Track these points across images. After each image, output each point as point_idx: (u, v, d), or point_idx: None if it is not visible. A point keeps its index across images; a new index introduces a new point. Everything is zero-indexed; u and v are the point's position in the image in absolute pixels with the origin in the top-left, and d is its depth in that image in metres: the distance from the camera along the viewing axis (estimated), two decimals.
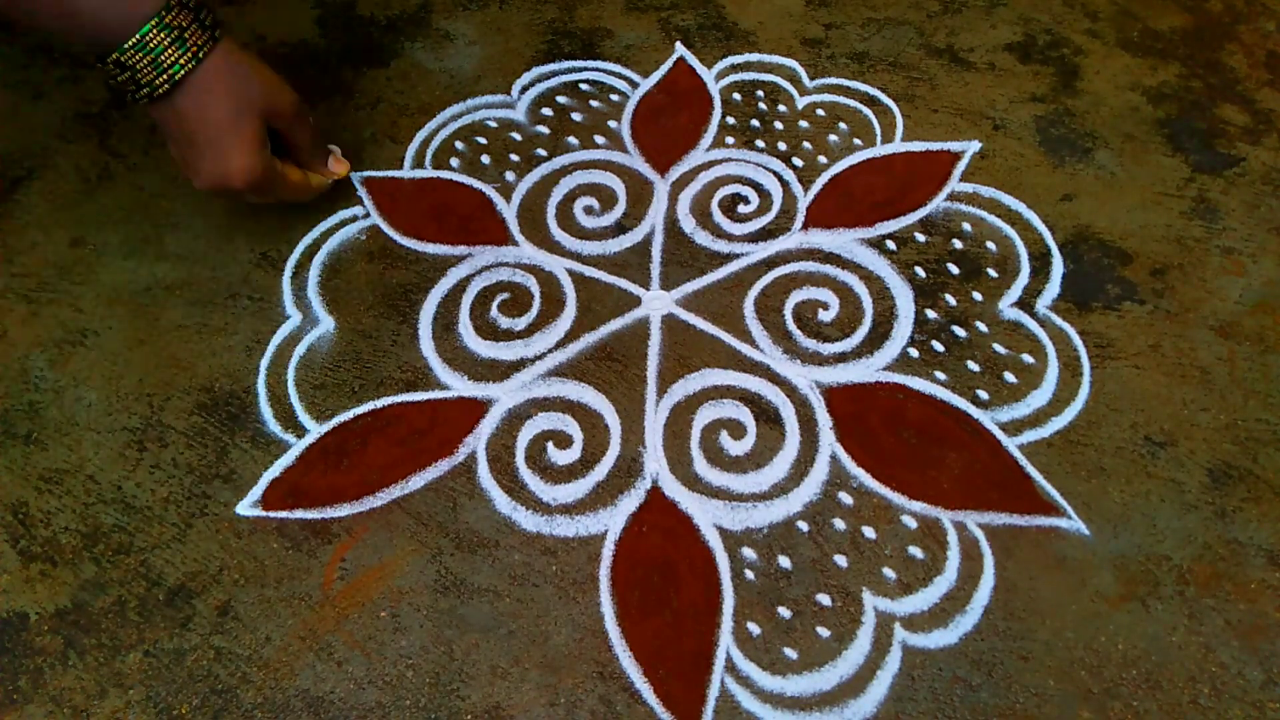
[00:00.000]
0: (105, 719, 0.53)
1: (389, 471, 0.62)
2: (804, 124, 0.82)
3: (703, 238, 0.75)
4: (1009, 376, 0.66)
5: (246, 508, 0.61)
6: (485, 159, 0.80)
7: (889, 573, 0.58)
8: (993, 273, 0.72)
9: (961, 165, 0.78)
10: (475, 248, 0.74)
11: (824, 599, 0.57)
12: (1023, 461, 0.62)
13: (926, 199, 0.76)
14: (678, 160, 0.79)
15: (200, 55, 0.60)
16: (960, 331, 0.68)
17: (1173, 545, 0.59)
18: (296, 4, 0.92)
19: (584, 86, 0.85)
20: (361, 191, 0.77)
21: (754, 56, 0.87)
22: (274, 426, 0.64)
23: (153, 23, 0.57)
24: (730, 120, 0.82)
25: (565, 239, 0.75)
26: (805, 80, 0.85)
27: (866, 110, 0.82)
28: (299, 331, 0.69)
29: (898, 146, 0.80)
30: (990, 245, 0.73)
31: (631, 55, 0.87)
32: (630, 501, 0.61)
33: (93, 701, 0.54)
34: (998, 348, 0.67)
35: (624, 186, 0.78)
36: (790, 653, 0.55)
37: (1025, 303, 0.70)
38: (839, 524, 0.60)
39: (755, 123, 0.82)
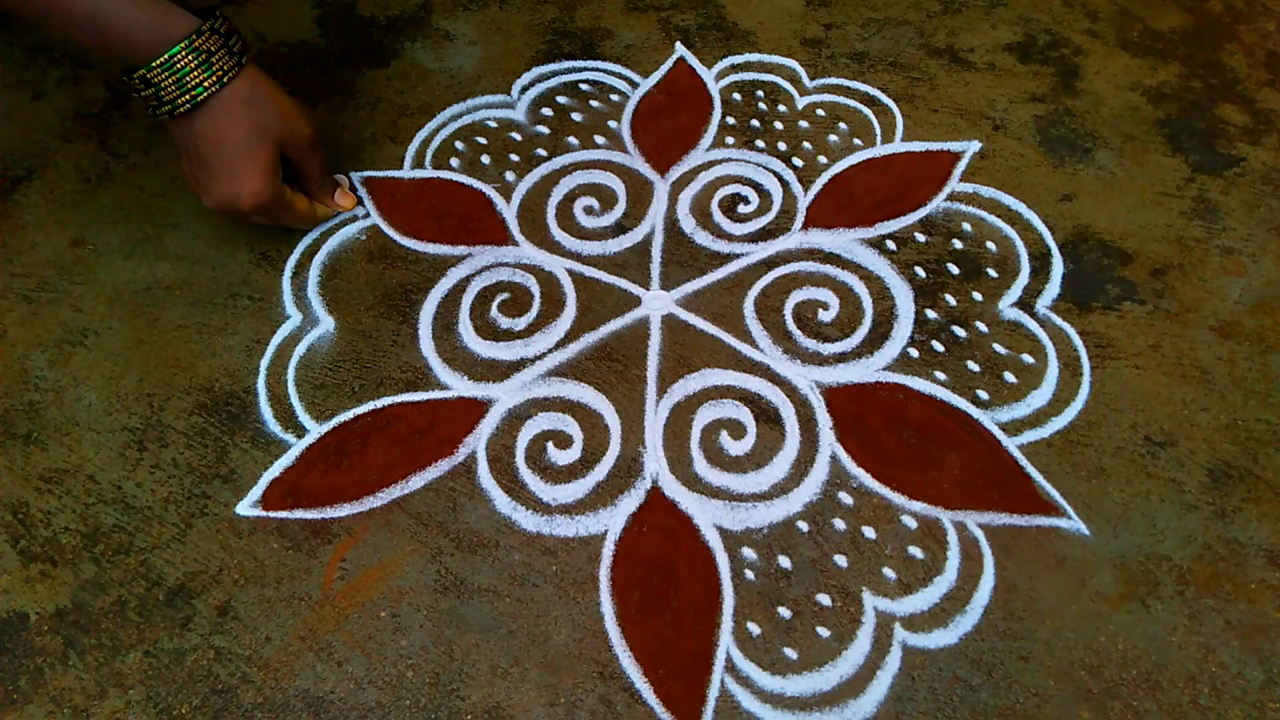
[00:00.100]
0: (105, 719, 0.53)
1: (389, 471, 0.62)
2: (804, 124, 0.82)
3: (703, 238, 0.75)
4: (1009, 376, 0.66)
5: (246, 508, 0.61)
6: (485, 159, 0.80)
7: (889, 573, 0.58)
8: (993, 273, 0.72)
9: (961, 165, 0.78)
10: (475, 248, 0.74)
11: (824, 599, 0.57)
12: (1023, 461, 0.62)
13: (926, 199, 0.76)
14: (678, 160, 0.79)
15: (225, 79, 0.61)
16: (960, 331, 0.68)
17: (1173, 545, 0.59)
18: (296, 4, 0.92)
19: (584, 86, 0.85)
20: (361, 191, 0.77)
21: (754, 56, 0.87)
22: (274, 426, 0.64)
23: (183, 45, 0.58)
24: (730, 120, 0.82)
25: (565, 239, 0.75)
26: (805, 80, 0.85)
27: (866, 110, 0.82)
28: (299, 331, 0.69)
29: (898, 146, 0.80)
30: (990, 245, 0.73)
31: (631, 55, 0.87)
32: (630, 501, 0.61)
33: (93, 701, 0.54)
34: (998, 348, 0.67)
35: (624, 186, 0.78)
36: (790, 653, 0.55)
37: (1025, 303, 0.70)
38: (839, 524, 0.60)
39: (755, 123, 0.82)
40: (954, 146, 0.79)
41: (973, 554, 0.58)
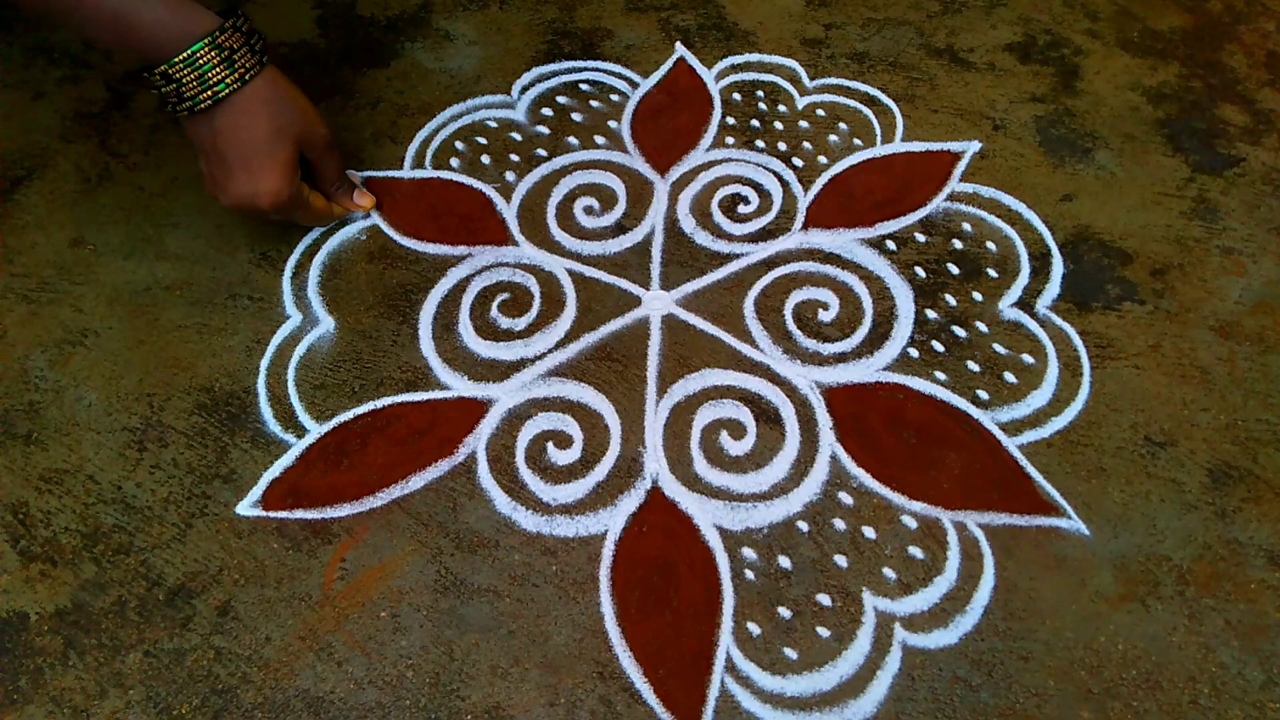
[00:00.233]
0: (105, 719, 0.53)
1: (389, 471, 0.62)
2: (804, 124, 0.82)
3: (703, 238, 0.75)
4: (1009, 377, 0.66)
5: (246, 508, 0.61)
6: (485, 159, 0.80)
7: (889, 573, 0.58)
8: (993, 273, 0.72)
9: (961, 165, 0.78)
10: (475, 248, 0.74)
11: (824, 599, 0.57)
12: (1023, 461, 0.62)
13: (926, 199, 0.76)
14: (678, 160, 0.79)
15: (246, 77, 0.61)
16: (960, 331, 0.68)
17: (1173, 545, 0.59)
18: (296, 4, 0.92)
19: (584, 86, 0.85)
20: None
21: (754, 56, 0.87)
22: (274, 426, 0.64)
23: (205, 41, 0.59)
24: (730, 120, 0.82)
25: (565, 239, 0.75)
26: (805, 80, 0.85)
27: (866, 110, 0.82)
28: (299, 331, 0.69)
29: (898, 146, 0.80)
30: (990, 245, 0.73)
31: (631, 55, 0.87)
32: (630, 501, 0.61)
33: (93, 701, 0.54)
34: (998, 348, 0.67)
35: (624, 186, 0.78)
36: (790, 653, 0.55)
37: (1025, 303, 0.70)
38: (839, 524, 0.60)
39: (755, 123, 0.82)
40: (954, 146, 0.79)
41: (973, 554, 0.58)
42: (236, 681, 0.54)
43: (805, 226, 0.75)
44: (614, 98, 0.84)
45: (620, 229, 0.75)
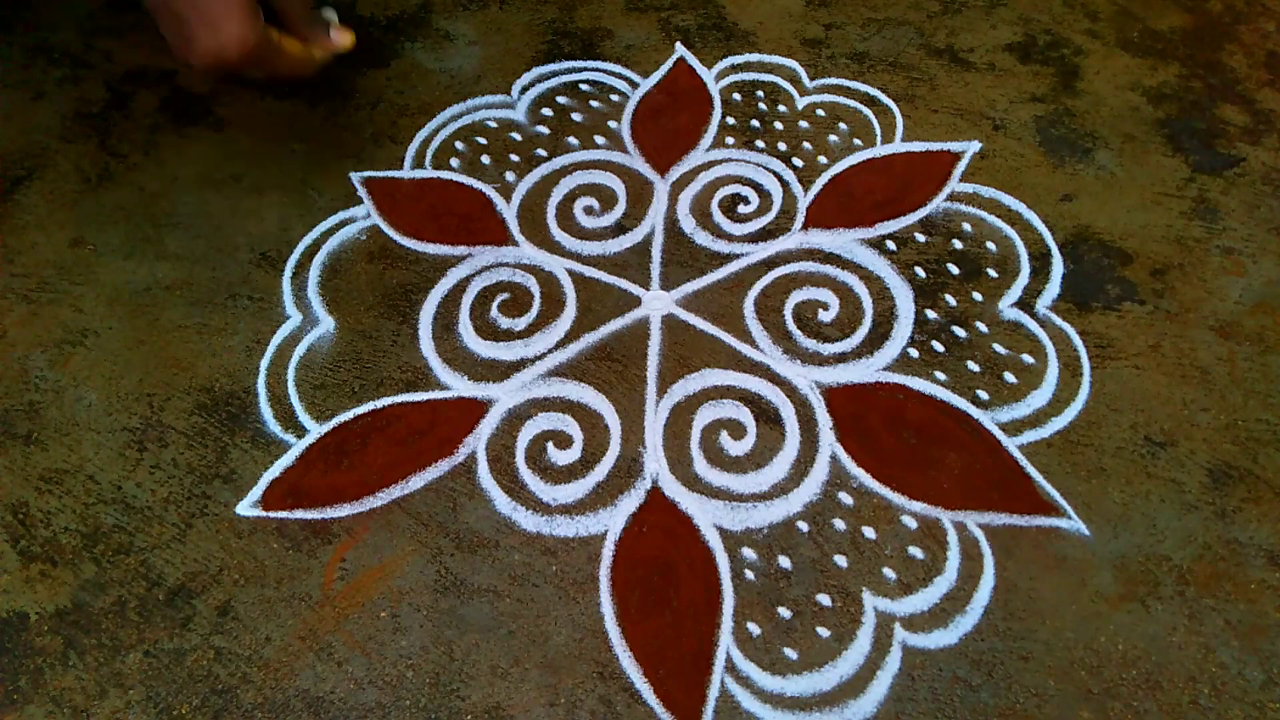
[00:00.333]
0: (105, 719, 0.53)
1: (389, 471, 0.62)
2: (804, 124, 0.82)
3: (703, 238, 0.75)
4: (1009, 377, 0.66)
5: (246, 508, 0.61)
6: (485, 159, 0.80)
7: (889, 573, 0.58)
8: (993, 273, 0.72)
9: (961, 165, 0.78)
10: (475, 248, 0.74)
11: (824, 599, 0.57)
12: (1023, 461, 0.62)
13: (926, 199, 0.76)
14: (678, 160, 0.79)
15: None
16: (960, 332, 0.68)
17: (1173, 545, 0.59)
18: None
19: (584, 87, 0.85)
20: (361, 191, 0.77)
21: (754, 57, 0.87)
22: (274, 427, 0.64)
23: None
24: (730, 120, 0.82)
25: (565, 239, 0.75)
26: (805, 80, 0.85)
27: (866, 110, 0.82)
28: (299, 332, 0.69)
29: (898, 147, 0.80)
30: (990, 245, 0.73)
31: (631, 55, 0.87)
32: (630, 501, 0.61)
33: (93, 701, 0.54)
34: (998, 348, 0.67)
35: (624, 187, 0.78)
36: (790, 653, 0.55)
37: (1025, 303, 0.70)
38: (839, 524, 0.60)
39: (755, 123, 0.82)
40: (954, 146, 0.79)
41: (973, 554, 0.58)
42: (236, 681, 0.54)
43: (805, 226, 0.75)
44: (614, 98, 0.84)
45: (620, 229, 0.75)
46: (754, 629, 0.56)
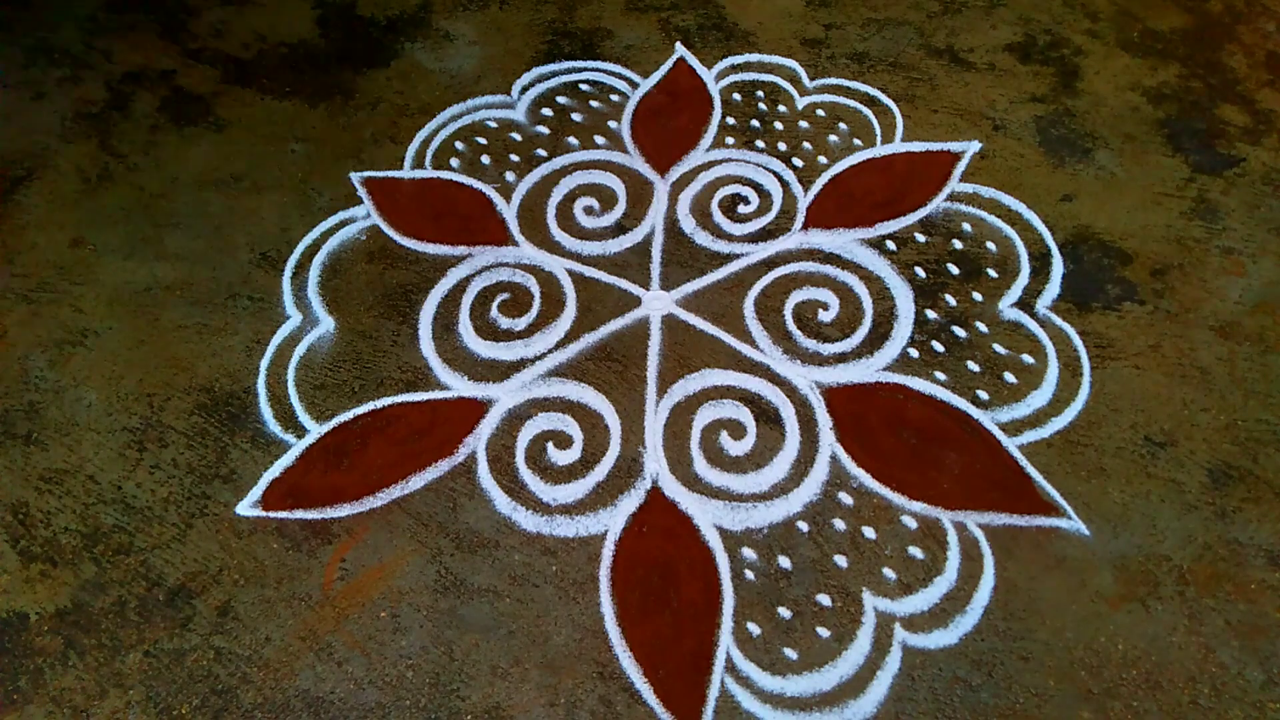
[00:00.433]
0: (105, 719, 0.53)
1: (389, 471, 0.62)
2: (804, 124, 0.82)
3: (703, 238, 0.75)
4: (1009, 377, 0.66)
5: (246, 508, 0.61)
6: (485, 159, 0.80)
7: (889, 573, 0.58)
8: (993, 273, 0.72)
9: (961, 165, 0.78)
10: (475, 248, 0.74)
11: (824, 599, 0.57)
12: (1023, 461, 0.62)
13: (926, 199, 0.76)
14: (678, 160, 0.79)
15: None
16: (960, 332, 0.68)
17: (1173, 545, 0.59)
18: (296, 4, 0.92)
19: (584, 87, 0.85)
20: (361, 191, 0.77)
21: (754, 57, 0.87)
22: (274, 427, 0.64)
23: None
24: (730, 120, 0.82)
25: (565, 239, 0.75)
26: (805, 80, 0.85)
27: (866, 110, 0.82)
28: (299, 332, 0.69)
29: (898, 147, 0.80)
30: (990, 245, 0.73)
31: (631, 55, 0.87)
32: (630, 502, 0.61)
33: (93, 701, 0.54)
34: (998, 348, 0.67)
35: (624, 187, 0.78)
36: (790, 653, 0.55)
37: (1025, 303, 0.70)
38: (839, 524, 0.60)
39: (755, 123, 0.82)
40: (954, 147, 0.79)
41: (973, 554, 0.58)
42: (236, 681, 0.54)
43: (805, 226, 0.75)
44: (614, 98, 0.84)
45: (620, 229, 0.75)
46: (754, 629, 0.56)
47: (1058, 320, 0.69)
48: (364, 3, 0.92)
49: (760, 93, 0.84)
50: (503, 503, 0.61)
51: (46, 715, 0.53)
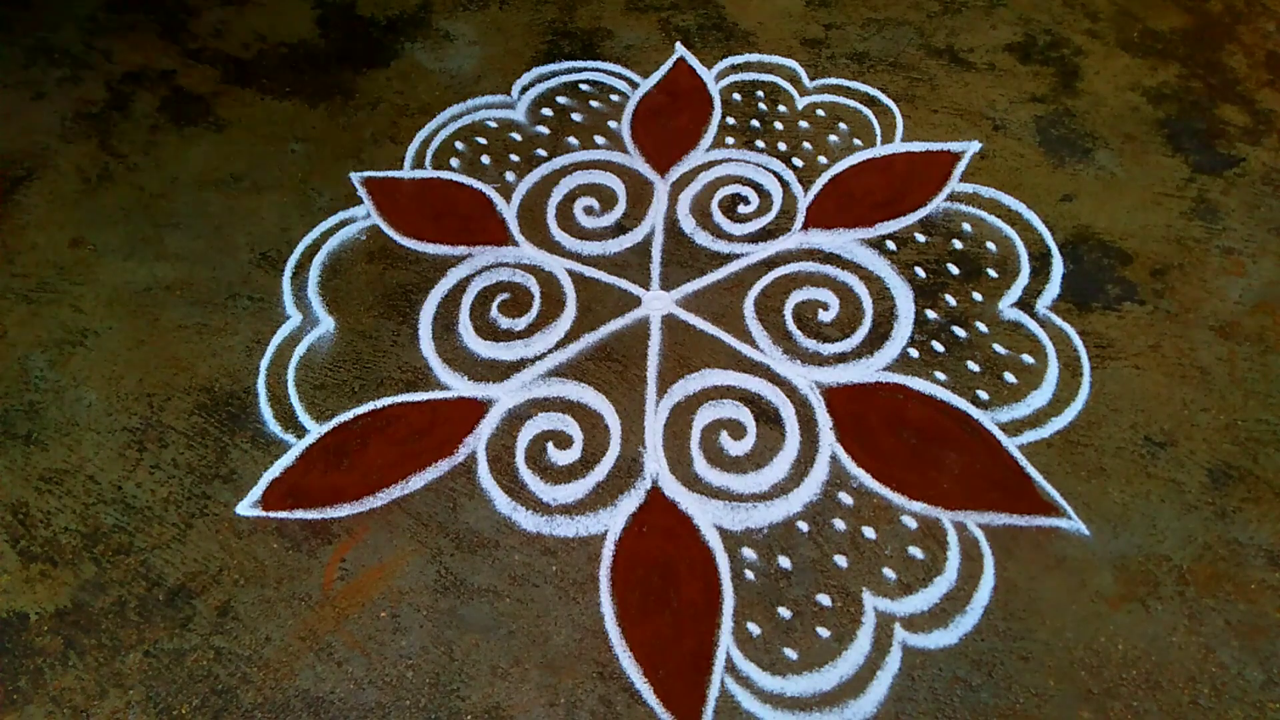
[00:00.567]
0: (105, 719, 0.53)
1: (389, 471, 0.62)
2: (804, 124, 0.82)
3: (703, 238, 0.75)
4: (1009, 377, 0.66)
5: (246, 508, 0.61)
6: (485, 159, 0.80)
7: (889, 573, 0.58)
8: (993, 273, 0.72)
9: (961, 165, 0.78)
10: (475, 248, 0.74)
11: (824, 599, 0.57)
12: (1023, 462, 0.62)
13: (926, 199, 0.76)
14: (678, 160, 0.80)
15: None
16: (960, 332, 0.68)
17: (1173, 545, 0.59)
18: (296, 4, 0.92)
19: (584, 87, 0.85)
20: (361, 191, 0.77)
21: (754, 57, 0.87)
22: (274, 427, 0.64)
23: None
24: (730, 120, 0.82)
25: (565, 239, 0.75)
26: (805, 80, 0.85)
27: (866, 110, 0.82)
28: (299, 332, 0.69)
29: (898, 147, 0.80)
30: (990, 245, 0.73)
31: (631, 55, 0.87)
32: (630, 502, 0.61)
33: (93, 701, 0.54)
34: (998, 348, 0.67)
35: (624, 187, 0.78)
36: (790, 653, 0.55)
37: (1025, 303, 0.70)
38: (839, 524, 0.60)
39: (755, 123, 0.82)
40: (954, 147, 0.79)
41: (973, 554, 0.58)
42: (236, 681, 0.54)
43: (805, 226, 0.75)
44: (614, 98, 0.84)
45: (620, 229, 0.75)
46: (754, 629, 0.56)
47: (1058, 320, 0.69)
48: (364, 3, 0.92)
49: (760, 93, 0.84)
50: (503, 503, 0.61)
51: (46, 715, 0.53)
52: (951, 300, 0.70)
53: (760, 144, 0.80)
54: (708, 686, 0.54)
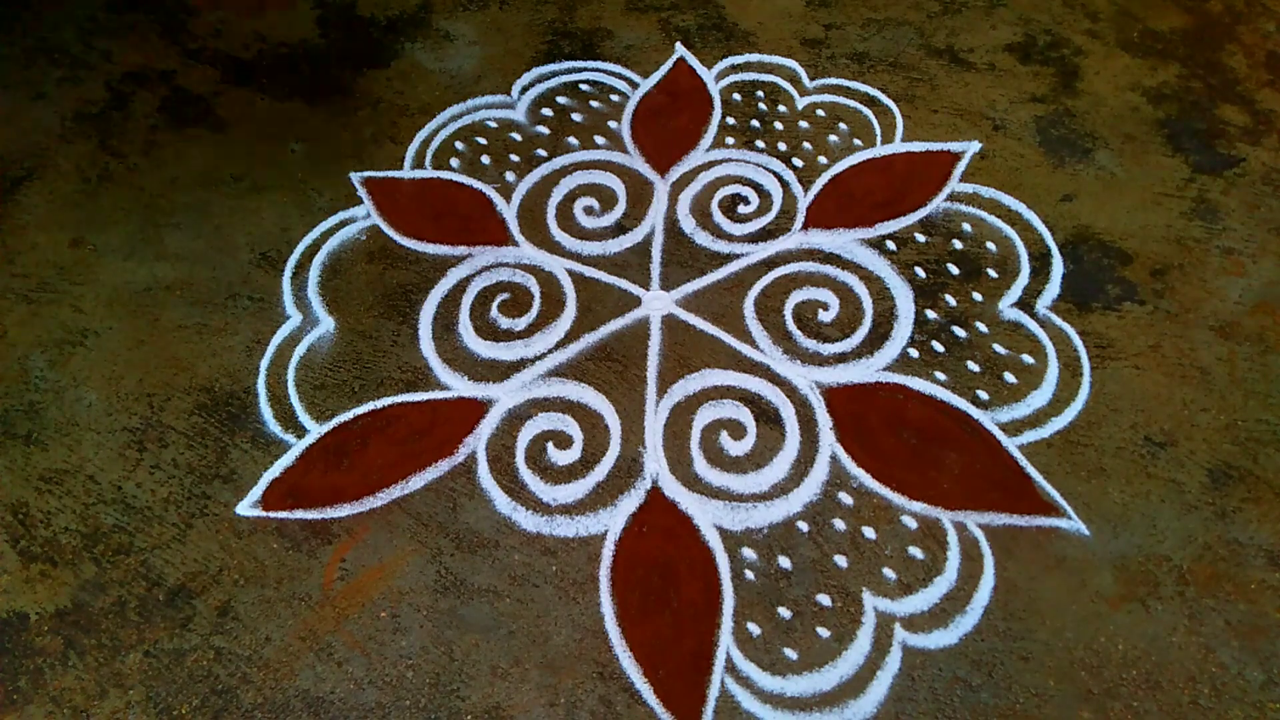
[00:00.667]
0: (105, 719, 0.53)
1: (389, 471, 0.62)
2: (804, 124, 0.82)
3: (703, 238, 0.75)
4: (1009, 377, 0.66)
5: (246, 508, 0.61)
6: (485, 159, 0.80)
7: (889, 573, 0.58)
8: (993, 273, 0.72)
9: (961, 165, 0.78)
10: (475, 248, 0.74)
11: (824, 599, 0.57)
12: (1023, 462, 0.62)
13: (926, 199, 0.76)
14: (678, 160, 0.79)
15: None
16: (960, 332, 0.68)
17: (1173, 545, 0.59)
18: (296, 4, 0.92)
19: (584, 87, 0.85)
20: (361, 191, 0.77)
21: (754, 57, 0.87)
22: (274, 427, 0.64)
23: None
24: (730, 120, 0.82)
25: (565, 239, 0.75)
26: (805, 80, 0.85)
27: (866, 110, 0.82)
28: (299, 332, 0.69)
29: (898, 147, 0.80)
30: (990, 246, 0.73)
31: (631, 56, 0.87)
32: (630, 502, 0.61)
33: (93, 701, 0.54)
34: (998, 348, 0.67)
35: (624, 187, 0.78)
36: (790, 653, 0.55)
37: (1025, 303, 0.70)
38: (839, 524, 0.60)
39: (755, 123, 0.82)
40: (954, 147, 0.79)
41: (973, 554, 0.58)
42: (236, 681, 0.54)
43: (805, 226, 0.75)
44: (614, 98, 0.84)
45: (620, 229, 0.75)
46: (754, 629, 0.56)
47: (1058, 320, 0.69)
48: (364, 3, 0.92)
49: (760, 93, 0.84)
50: (503, 503, 0.61)
51: (46, 715, 0.53)
52: (951, 300, 0.70)
53: (760, 144, 0.80)
54: (708, 686, 0.54)
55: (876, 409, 0.65)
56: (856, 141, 0.80)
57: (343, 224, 0.76)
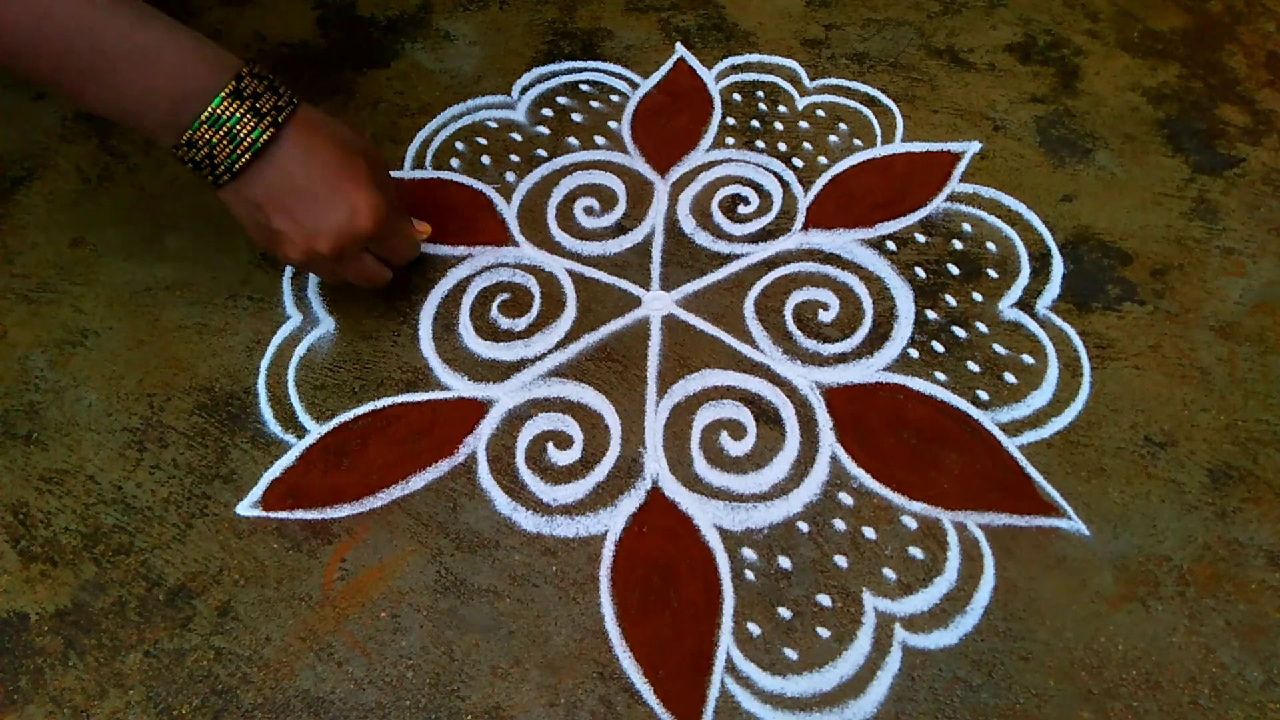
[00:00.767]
0: (105, 719, 0.53)
1: (389, 472, 0.62)
2: (804, 124, 0.82)
3: (703, 238, 0.75)
4: (1009, 377, 0.66)
5: (247, 508, 0.61)
6: (485, 159, 0.80)
7: (889, 573, 0.58)
8: (993, 273, 0.72)
9: (961, 166, 0.78)
10: (475, 248, 0.74)
11: (824, 599, 0.57)
12: (1023, 462, 0.62)
13: (926, 199, 0.76)
14: (678, 161, 0.80)
15: (279, 119, 0.55)
16: (960, 332, 0.68)
17: (1173, 545, 0.59)
18: (296, 4, 0.92)
19: (584, 87, 0.85)
20: None
21: (754, 57, 0.87)
22: (274, 427, 0.64)
23: (223, 93, 0.53)
24: (730, 121, 0.82)
25: (565, 239, 0.75)
26: (805, 81, 0.85)
27: (866, 111, 0.82)
28: (299, 332, 0.69)
29: (898, 147, 0.80)
30: (990, 246, 0.73)
31: (631, 56, 0.87)
32: (630, 502, 0.61)
33: (93, 702, 0.54)
34: (998, 348, 0.67)
35: (624, 187, 0.78)
36: (790, 653, 0.55)
37: (1025, 303, 0.70)
38: (839, 524, 0.60)
39: (755, 123, 0.82)
40: (954, 147, 0.79)
41: (973, 554, 0.58)
42: (236, 681, 0.54)
43: (805, 227, 0.75)
44: (614, 98, 0.84)
45: (620, 229, 0.75)
46: (754, 629, 0.56)
47: (1058, 320, 0.69)
48: (364, 3, 0.92)
49: (760, 93, 0.84)
50: (503, 503, 0.61)
51: (46, 715, 0.53)
52: (951, 300, 0.70)
53: (760, 144, 0.80)
54: (708, 686, 0.54)
55: (876, 409, 0.65)
56: (856, 142, 0.80)
57: None
